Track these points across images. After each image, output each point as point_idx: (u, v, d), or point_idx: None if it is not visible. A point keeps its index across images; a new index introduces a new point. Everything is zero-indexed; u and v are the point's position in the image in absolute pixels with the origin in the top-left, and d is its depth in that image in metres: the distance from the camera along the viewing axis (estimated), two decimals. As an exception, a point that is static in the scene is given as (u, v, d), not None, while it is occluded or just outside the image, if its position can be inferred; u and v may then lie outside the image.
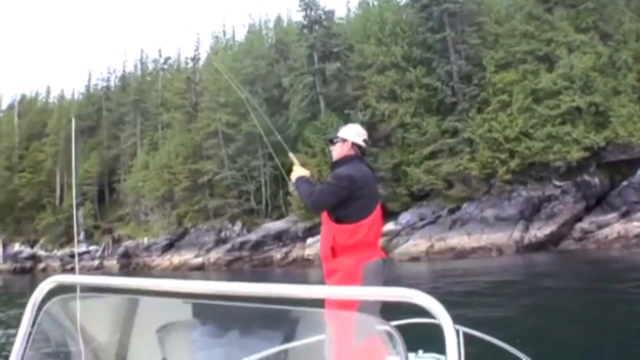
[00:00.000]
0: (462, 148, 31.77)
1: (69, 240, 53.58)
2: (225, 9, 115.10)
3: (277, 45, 48.86)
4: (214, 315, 1.98)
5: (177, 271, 38.91)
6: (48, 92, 75.83)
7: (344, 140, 3.73)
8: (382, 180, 32.95)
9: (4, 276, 49.83)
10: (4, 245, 56.83)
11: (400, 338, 1.33)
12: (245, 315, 1.77)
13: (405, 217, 32.50)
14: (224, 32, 62.67)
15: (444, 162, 31.69)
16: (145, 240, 45.94)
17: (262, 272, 33.49)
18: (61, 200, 57.99)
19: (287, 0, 54.83)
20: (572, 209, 28.83)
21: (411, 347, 3.58)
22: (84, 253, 51.42)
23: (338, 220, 3.46)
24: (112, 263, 47.48)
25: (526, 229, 29.09)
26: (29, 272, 52.11)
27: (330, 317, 2.16)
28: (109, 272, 45.30)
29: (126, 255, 46.73)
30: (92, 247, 51.60)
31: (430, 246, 29.97)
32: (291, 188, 3.67)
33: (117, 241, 50.12)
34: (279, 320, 1.81)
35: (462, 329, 3.72)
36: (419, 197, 32.98)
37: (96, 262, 49.23)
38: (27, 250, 55.64)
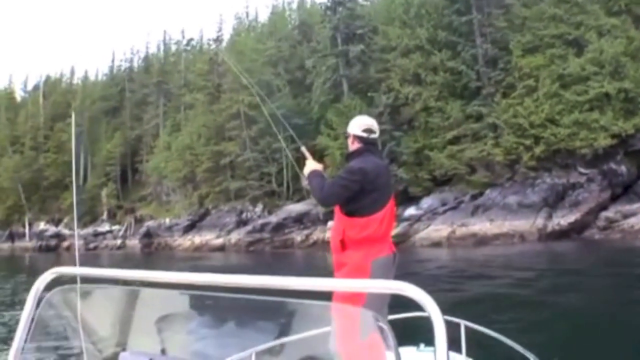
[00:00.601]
0: (486, 133, 31.31)
1: (93, 220, 54.48)
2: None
3: (301, 26, 48.56)
4: (213, 306, 1.99)
5: (198, 251, 39.20)
6: (72, 73, 76.76)
7: (348, 135, 3.69)
8: (404, 164, 32.79)
9: (30, 254, 50.79)
10: (30, 224, 57.88)
11: (391, 333, 1.35)
12: (241, 307, 1.78)
13: (426, 202, 32.28)
14: (247, 14, 62.73)
15: (468, 147, 31.28)
16: (167, 220, 46.38)
17: (282, 254, 33.57)
18: (85, 180, 58.70)
19: (311, -19, 54.30)
20: (597, 197, 28.32)
21: (412, 340, 3.62)
22: (106, 232, 52.23)
23: (349, 213, 3.40)
24: (135, 242, 48.02)
25: (549, 216, 28.66)
26: (53, 250, 53.03)
27: (334, 311, 2.15)
28: (131, 252, 45.90)
29: (148, 235, 47.23)
30: (115, 227, 52.33)
31: (452, 232, 29.73)
32: (304, 182, 3.68)
33: (139, 221, 50.67)
34: (275, 312, 1.82)
35: (463, 322, 3.73)
36: (441, 182, 32.65)
37: (119, 242, 49.92)
38: (52, 229, 56.55)
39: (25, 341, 1.68)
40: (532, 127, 29.36)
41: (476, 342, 3.81)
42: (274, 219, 37.78)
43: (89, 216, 54.88)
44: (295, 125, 40.10)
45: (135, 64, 69.30)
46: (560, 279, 15.10)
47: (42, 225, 57.49)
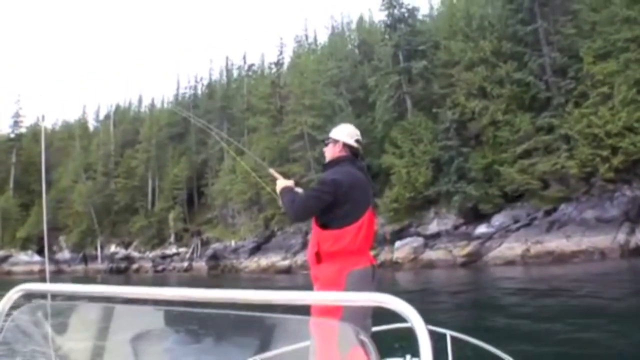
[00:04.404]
0: (559, 145, 29.97)
1: (161, 243, 55.68)
2: (307, 12, 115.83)
3: (361, 46, 48.54)
4: (188, 323, 1.94)
5: (265, 273, 39.23)
6: (140, 101, 79.67)
7: (336, 141, 3.63)
8: (473, 181, 31.83)
9: (102, 275, 52.37)
10: (102, 247, 59.73)
11: (373, 347, 1.32)
12: (219, 322, 1.74)
13: (498, 219, 31.16)
14: (306, 36, 63.22)
15: (540, 161, 29.99)
16: (233, 242, 46.77)
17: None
18: (153, 204, 60.22)
19: (369, 0, 54.37)
20: (684, 210, 26.55)
21: (399, 352, 3.60)
22: (174, 255, 53.18)
23: (323, 225, 3.33)
24: (201, 265, 48.64)
25: (632, 231, 27.00)
26: (123, 272, 54.50)
27: (312, 325, 2.11)
28: (197, 274, 46.50)
29: (214, 257, 47.76)
30: (182, 249, 53.16)
31: (526, 250, 28.51)
32: (279, 202, 3.54)
33: (205, 243, 51.32)
34: (254, 327, 1.77)
35: (449, 332, 3.74)
36: (512, 198, 31.44)
37: (185, 264, 50.67)
38: (122, 252, 58.15)
39: None
40: (609, 136, 27.85)
41: (464, 354, 3.78)
42: (340, 239, 37.33)
43: (157, 239, 56.16)
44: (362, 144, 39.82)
45: (200, 91, 70.91)
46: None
47: (112, 248, 59.20)
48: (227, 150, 54.06)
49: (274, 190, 3.75)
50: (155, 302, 1.59)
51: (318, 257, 3.30)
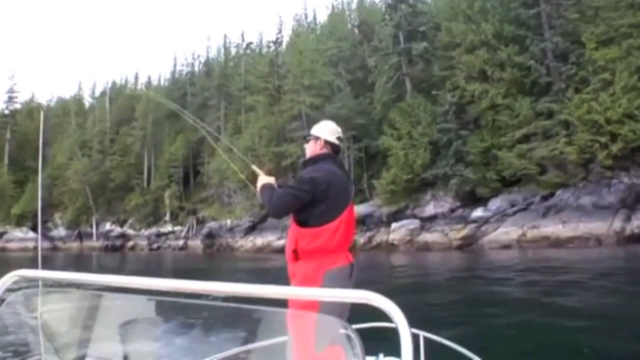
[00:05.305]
0: (558, 131, 29.85)
1: (156, 221, 55.67)
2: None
3: (361, 26, 48.12)
4: (177, 313, 1.95)
5: (260, 253, 39.22)
6: (136, 78, 79.47)
7: (317, 138, 3.60)
8: (471, 164, 31.76)
9: (97, 253, 52.33)
10: (97, 224, 59.67)
11: (359, 341, 1.32)
12: (208, 313, 1.76)
13: (495, 204, 31.17)
14: (306, 15, 62.71)
15: (538, 146, 29.93)
16: (229, 221, 46.76)
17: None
18: (148, 182, 60.06)
19: (370, -20, 53.70)
20: (680, 197, 26.56)
21: (372, 350, 3.56)
22: (169, 233, 53.21)
23: (301, 223, 3.32)
24: (197, 243, 48.66)
25: (628, 218, 27.06)
26: (119, 250, 54.52)
27: (291, 318, 2.09)
28: (193, 252, 46.49)
29: (210, 236, 47.78)
30: (177, 228, 53.20)
31: (522, 234, 28.56)
32: (259, 198, 3.54)
33: (201, 222, 51.32)
34: (242, 319, 1.79)
35: (422, 333, 3.76)
36: (509, 182, 31.39)
37: (181, 242, 50.72)
38: (117, 229, 58.18)
39: None
40: (609, 123, 27.74)
41: (435, 354, 3.78)
42: (336, 220, 37.35)
43: (152, 217, 56.15)
44: (358, 125, 39.76)
45: (197, 69, 70.56)
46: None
47: (108, 226, 59.20)
48: (213, 142, 54.20)
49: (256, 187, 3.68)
50: (145, 292, 1.59)
51: (295, 255, 3.28)
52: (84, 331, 1.99)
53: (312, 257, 3.24)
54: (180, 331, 2.19)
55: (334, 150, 3.60)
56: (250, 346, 2.31)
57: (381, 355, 3.61)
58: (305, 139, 3.69)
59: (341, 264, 3.29)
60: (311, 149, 3.62)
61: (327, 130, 3.62)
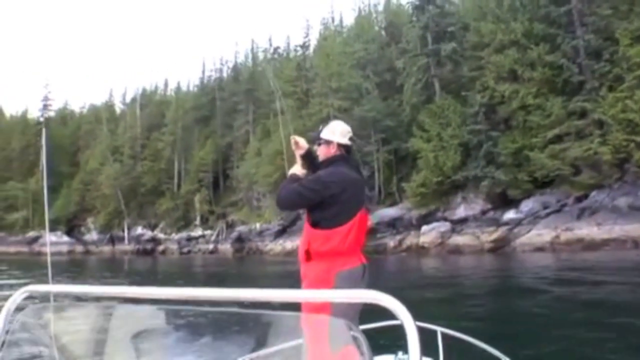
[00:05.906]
0: (592, 130, 29.21)
1: (186, 225, 56.23)
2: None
3: (388, 27, 47.90)
4: (188, 321, 1.98)
5: (289, 256, 39.21)
6: (166, 85, 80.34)
7: (329, 142, 3.58)
8: (502, 166, 31.30)
9: (129, 257, 53.08)
10: (129, 228, 60.55)
11: (366, 343, 1.34)
12: (219, 320, 1.78)
13: (527, 205, 30.60)
14: (333, 18, 62.64)
15: (571, 146, 29.32)
16: (258, 225, 46.91)
17: (374, 259, 32.85)
18: (179, 186, 60.74)
19: (397, -19, 53.39)
20: None
21: (389, 349, 3.59)
22: (199, 237, 53.65)
23: (314, 224, 3.34)
24: (227, 247, 48.91)
25: (667, 220, 26.29)
26: (150, 254, 55.20)
27: (304, 322, 2.13)
28: (223, 256, 46.74)
29: (240, 239, 47.99)
30: (207, 232, 53.60)
31: (556, 237, 27.95)
32: None
33: (230, 226, 51.63)
34: (253, 324, 1.79)
35: (439, 329, 3.79)
36: (542, 183, 30.82)
37: (211, 246, 51.04)
38: (148, 233, 58.95)
39: None
40: (645, 122, 27.05)
41: (456, 350, 3.78)
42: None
43: (183, 221, 56.74)
44: (387, 127, 39.55)
45: (225, 74, 70.97)
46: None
47: (139, 230, 60.05)
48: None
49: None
50: (155, 302, 1.61)
51: (308, 255, 3.30)
52: (97, 344, 2.00)
53: (324, 258, 3.25)
54: (194, 339, 2.18)
55: (346, 150, 3.60)
56: (264, 351, 2.29)
57: (400, 353, 3.64)
58: (317, 142, 3.65)
59: (353, 265, 3.31)
60: (324, 152, 3.60)
61: (338, 133, 3.60)
